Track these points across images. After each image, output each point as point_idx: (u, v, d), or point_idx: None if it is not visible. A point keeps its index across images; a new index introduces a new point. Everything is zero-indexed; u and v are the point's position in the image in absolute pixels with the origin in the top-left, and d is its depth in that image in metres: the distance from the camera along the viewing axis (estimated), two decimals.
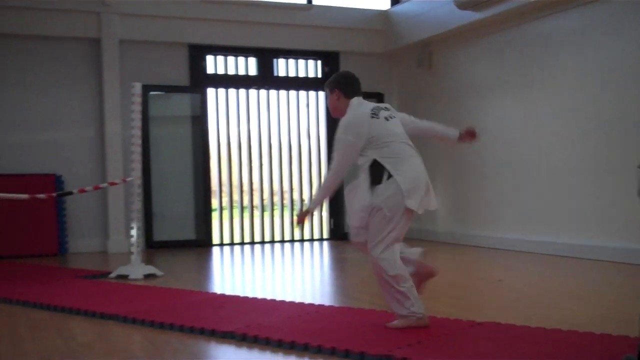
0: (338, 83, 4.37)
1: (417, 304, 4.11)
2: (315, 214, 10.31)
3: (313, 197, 4.40)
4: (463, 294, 5.74)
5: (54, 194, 7.36)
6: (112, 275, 6.85)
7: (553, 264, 7.35)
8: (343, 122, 4.22)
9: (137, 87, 7.12)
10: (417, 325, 4.10)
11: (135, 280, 6.63)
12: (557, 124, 8.03)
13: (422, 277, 4.36)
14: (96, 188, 7.71)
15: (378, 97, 10.80)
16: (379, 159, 4.13)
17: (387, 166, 4.11)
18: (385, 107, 4.36)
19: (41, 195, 6.86)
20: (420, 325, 4.11)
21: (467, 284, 6.29)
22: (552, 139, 8.09)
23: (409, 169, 4.16)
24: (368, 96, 10.73)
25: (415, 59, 10.24)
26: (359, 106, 4.28)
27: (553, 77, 8.07)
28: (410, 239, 10.16)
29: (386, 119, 4.25)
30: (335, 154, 4.20)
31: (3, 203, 7.93)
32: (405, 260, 4.23)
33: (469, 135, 4.60)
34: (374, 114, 4.20)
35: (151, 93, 9.55)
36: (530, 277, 6.68)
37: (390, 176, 4.10)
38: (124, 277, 6.75)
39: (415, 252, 4.38)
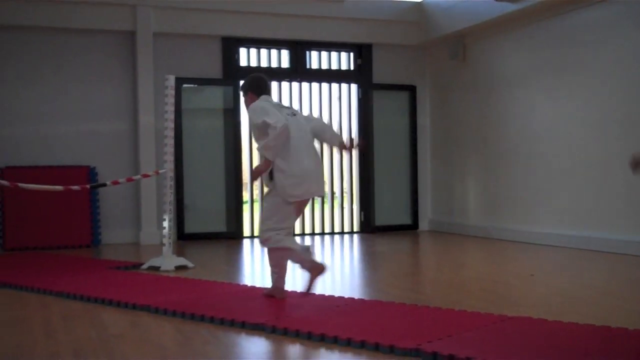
0: (250, 86, 5.09)
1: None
2: (346, 206, 10.30)
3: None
4: (494, 288, 5.69)
5: (88, 186, 7.44)
6: (144, 266, 6.91)
7: (585, 258, 7.25)
8: (250, 109, 4.92)
9: (171, 80, 7.16)
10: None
11: (167, 271, 6.68)
12: (590, 117, 7.91)
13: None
14: (129, 180, 7.78)
15: (410, 89, 10.74)
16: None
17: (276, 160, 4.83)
18: (289, 107, 5.09)
19: (75, 187, 6.93)
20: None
21: (498, 278, 6.23)
22: (585, 132, 7.97)
23: (295, 164, 4.82)
24: (401, 89, 10.75)
25: (449, 51, 10.15)
26: (265, 100, 4.98)
27: (587, 69, 7.95)
28: (441, 233, 10.15)
29: (288, 114, 4.89)
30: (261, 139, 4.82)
31: (38, 195, 8.03)
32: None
33: (350, 146, 5.10)
34: (280, 107, 4.93)
35: (184, 86, 9.60)
36: (563, 272, 6.59)
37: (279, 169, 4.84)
38: (156, 268, 6.80)
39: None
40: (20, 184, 6.31)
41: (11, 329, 4.36)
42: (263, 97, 5.03)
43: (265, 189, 5.18)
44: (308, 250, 4.99)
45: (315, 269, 4.95)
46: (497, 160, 9.39)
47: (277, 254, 4.98)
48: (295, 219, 5.19)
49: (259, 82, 5.12)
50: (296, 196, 4.91)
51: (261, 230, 5.05)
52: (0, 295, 5.58)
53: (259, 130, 4.83)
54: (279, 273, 5.04)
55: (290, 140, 4.81)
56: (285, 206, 4.95)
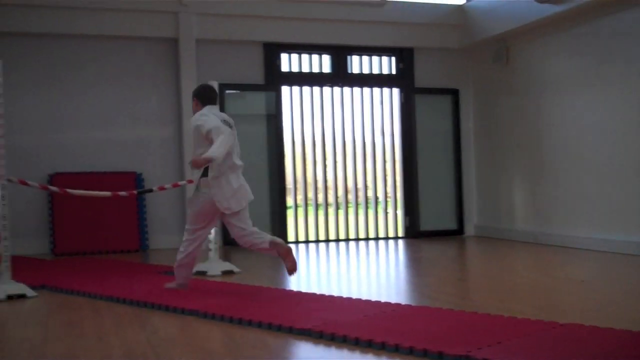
0: (198, 93, 5.62)
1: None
2: (390, 211, 10.28)
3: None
4: (544, 294, 5.61)
5: (135, 192, 7.55)
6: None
7: (638, 264, 7.10)
8: (192, 120, 5.43)
9: (214, 86, 7.22)
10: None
11: (214, 276, 6.74)
12: (638, 119, 7.75)
13: None
14: (175, 185, 7.88)
15: (453, 93, 10.67)
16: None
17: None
18: (226, 121, 5.53)
19: (123, 193, 7.04)
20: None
21: (548, 284, 6.15)
22: (634, 135, 7.82)
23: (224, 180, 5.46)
24: (443, 92, 10.70)
25: (492, 54, 10.07)
26: (208, 111, 5.47)
27: (635, 71, 7.80)
28: (488, 238, 10.04)
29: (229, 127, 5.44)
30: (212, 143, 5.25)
31: (87, 200, 8.17)
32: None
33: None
34: (222, 120, 5.44)
35: (227, 92, 9.69)
36: (614, 278, 6.47)
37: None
38: (203, 273, 6.87)
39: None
40: (69, 190, 6.43)
41: (64, 333, 4.45)
42: (207, 107, 5.53)
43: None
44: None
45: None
46: (544, 164, 9.27)
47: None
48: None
49: (206, 92, 5.62)
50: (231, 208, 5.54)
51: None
52: (52, 299, 5.69)
53: (201, 137, 5.33)
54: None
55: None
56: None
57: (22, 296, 5.65)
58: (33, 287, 5.87)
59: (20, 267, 6.66)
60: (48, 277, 6.55)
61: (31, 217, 8.92)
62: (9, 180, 5.80)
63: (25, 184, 6.17)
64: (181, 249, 5.67)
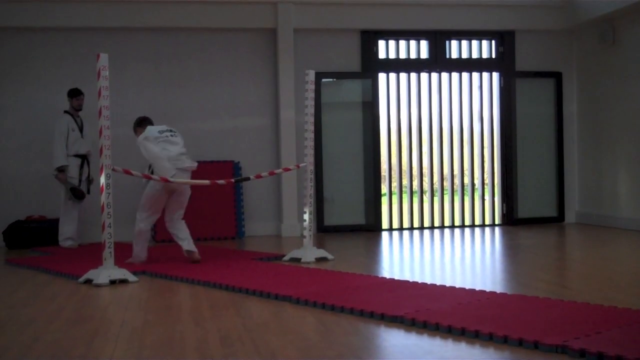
0: (135, 125, 7.00)
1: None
2: (487, 198, 10.07)
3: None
4: None
5: (233, 180, 7.70)
6: (286, 258, 7.07)
7: None
8: (139, 139, 6.68)
9: (311, 75, 7.29)
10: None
11: (308, 263, 6.80)
12: None
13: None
14: (271, 174, 7.98)
15: (556, 76, 10.32)
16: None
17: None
18: (170, 130, 6.86)
19: (221, 181, 7.21)
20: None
21: None
22: None
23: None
24: (545, 76, 10.34)
25: (597, 35, 9.67)
26: (149, 129, 6.74)
27: None
28: (590, 225, 9.68)
29: (169, 135, 6.78)
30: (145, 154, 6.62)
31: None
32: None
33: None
34: (159, 132, 6.72)
35: (323, 80, 9.72)
36: None
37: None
38: (297, 260, 6.94)
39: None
40: (170, 179, 6.63)
41: (163, 317, 4.60)
42: (147, 128, 6.73)
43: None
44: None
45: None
46: None
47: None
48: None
49: (140, 121, 6.96)
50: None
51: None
52: (152, 284, 5.90)
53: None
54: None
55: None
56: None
57: (124, 281, 5.88)
58: (134, 273, 6.11)
59: (123, 253, 6.92)
60: (149, 263, 6.79)
61: (133, 206, 9.23)
62: (114, 170, 6.03)
63: (129, 173, 6.40)
64: None
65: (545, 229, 9.57)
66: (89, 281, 5.86)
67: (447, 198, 10.39)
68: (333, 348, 3.70)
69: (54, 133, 8.39)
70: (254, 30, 9.65)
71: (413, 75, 10.11)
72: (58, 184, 8.47)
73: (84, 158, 8.54)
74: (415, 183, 10.26)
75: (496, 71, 10.30)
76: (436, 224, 10.22)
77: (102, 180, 5.89)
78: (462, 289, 5.05)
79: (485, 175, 10.49)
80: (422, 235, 9.40)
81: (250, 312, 4.65)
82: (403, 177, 10.43)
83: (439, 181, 10.32)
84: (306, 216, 7.17)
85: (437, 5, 9.86)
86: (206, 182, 7.06)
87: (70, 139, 8.42)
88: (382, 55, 10.03)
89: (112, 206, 5.92)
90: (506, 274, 6.22)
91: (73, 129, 8.45)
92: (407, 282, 5.48)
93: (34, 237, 8.67)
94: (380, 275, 5.99)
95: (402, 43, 10.14)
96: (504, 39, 10.23)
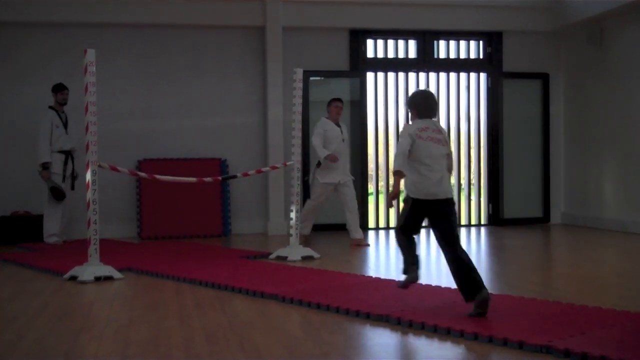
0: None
1: None
2: (473, 198, 10.06)
3: None
4: (632, 284, 5.41)
5: (220, 178, 7.68)
6: (272, 256, 7.06)
7: None
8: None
9: (299, 73, 7.28)
10: None
11: (294, 261, 6.79)
12: None
13: None
14: (258, 172, 7.96)
15: (543, 77, 10.36)
16: None
17: None
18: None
19: (208, 179, 7.18)
20: None
21: (636, 274, 5.92)
22: None
23: None
24: (532, 77, 10.35)
25: (585, 37, 9.70)
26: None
27: None
28: (575, 226, 9.72)
29: None
30: None
31: (173, 186, 8.36)
32: None
33: None
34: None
35: (311, 78, 9.71)
36: None
37: None
38: (283, 258, 6.93)
39: None
40: (156, 176, 6.60)
41: (149, 314, 4.58)
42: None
43: None
44: None
45: None
46: (634, 151, 8.89)
47: None
48: None
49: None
50: None
51: None
52: (137, 281, 5.88)
53: None
54: None
55: None
56: None
57: (109, 278, 5.85)
58: (120, 270, 6.06)
59: (108, 250, 6.88)
60: (134, 260, 6.75)
61: (119, 202, 9.21)
62: (100, 166, 6.00)
63: (115, 169, 6.37)
64: None
65: (530, 230, 9.61)
66: (73, 278, 5.82)
67: None
68: (318, 347, 3.70)
69: (38, 129, 8.34)
70: (243, 28, 9.62)
71: (401, 74, 10.12)
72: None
73: (68, 154, 8.49)
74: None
75: (484, 72, 10.33)
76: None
77: (88, 176, 5.85)
78: (448, 289, 5.06)
79: (472, 176, 10.52)
80: None
81: (236, 310, 4.64)
82: (390, 176, 10.42)
83: None
84: (293, 214, 7.16)
85: (425, 5, 9.86)
86: (193, 179, 7.03)
87: (55, 135, 8.37)
88: (370, 54, 10.03)
89: (98, 203, 5.89)
90: (492, 274, 6.23)
91: (57, 125, 8.40)
92: (393, 281, 5.47)
93: (19, 233, 8.61)
94: (366, 275, 5.99)
95: (391, 42, 10.15)
96: (492, 39, 10.26)
